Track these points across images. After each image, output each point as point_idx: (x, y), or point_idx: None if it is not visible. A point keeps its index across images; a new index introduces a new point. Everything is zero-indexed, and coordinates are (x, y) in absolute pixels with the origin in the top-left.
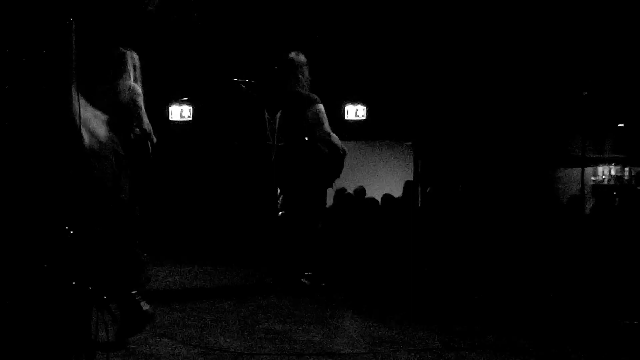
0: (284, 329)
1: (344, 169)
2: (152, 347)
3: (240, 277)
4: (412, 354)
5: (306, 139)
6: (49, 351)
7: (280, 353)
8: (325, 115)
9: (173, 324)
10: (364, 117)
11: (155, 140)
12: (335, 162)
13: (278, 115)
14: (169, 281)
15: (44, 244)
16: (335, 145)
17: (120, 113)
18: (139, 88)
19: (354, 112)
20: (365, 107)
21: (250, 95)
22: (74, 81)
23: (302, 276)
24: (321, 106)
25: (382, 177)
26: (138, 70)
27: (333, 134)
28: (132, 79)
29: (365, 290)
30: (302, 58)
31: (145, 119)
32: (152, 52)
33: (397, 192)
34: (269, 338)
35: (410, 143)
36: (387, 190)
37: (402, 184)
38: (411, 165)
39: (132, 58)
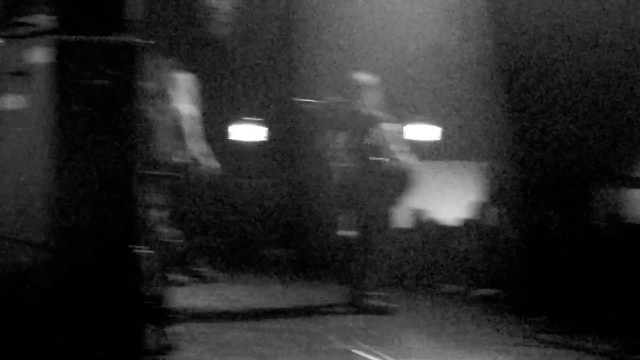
0: (354, 349)
1: (414, 188)
2: None
3: (309, 296)
4: None
5: (371, 158)
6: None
7: None
8: (391, 135)
9: (244, 343)
10: (432, 137)
11: (206, 166)
12: (401, 183)
13: (344, 134)
14: (240, 299)
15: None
16: (401, 166)
17: (161, 134)
18: (187, 111)
19: (421, 131)
20: (433, 127)
21: (317, 115)
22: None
23: (373, 297)
24: (387, 125)
25: (449, 198)
26: (192, 94)
27: (400, 155)
28: (181, 102)
29: (438, 312)
30: (367, 78)
31: (192, 144)
32: (221, 73)
33: (464, 214)
34: (335, 359)
35: (483, 163)
36: (455, 212)
37: (472, 205)
38: (481, 186)
39: (186, 80)
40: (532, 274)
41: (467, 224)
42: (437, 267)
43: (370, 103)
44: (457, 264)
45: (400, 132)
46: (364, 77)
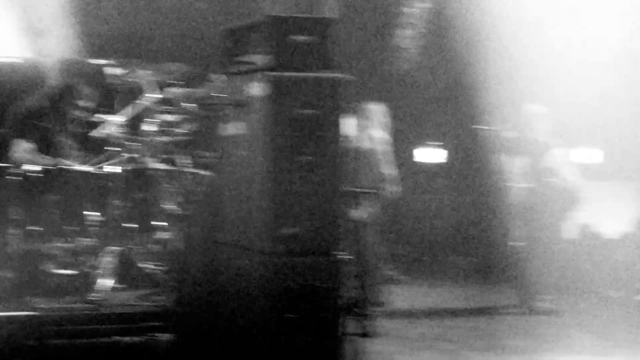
0: (526, 346)
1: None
2: (416, 357)
3: (485, 298)
4: None
5: (543, 179)
6: None
7: None
8: (560, 159)
9: (430, 338)
10: (595, 160)
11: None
12: (569, 201)
13: (519, 158)
14: (426, 300)
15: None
16: (569, 186)
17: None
18: (378, 137)
19: (585, 155)
20: (596, 150)
21: (494, 140)
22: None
23: (542, 300)
24: (556, 151)
25: (612, 214)
26: (378, 120)
27: (568, 176)
28: (371, 129)
29: (601, 315)
30: (538, 108)
31: (384, 166)
32: (408, 102)
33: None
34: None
35: None
36: (616, 226)
37: (632, 220)
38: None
39: (379, 110)
40: None
41: (628, 237)
42: (600, 274)
43: (541, 130)
44: (619, 272)
45: (568, 156)
46: (535, 108)
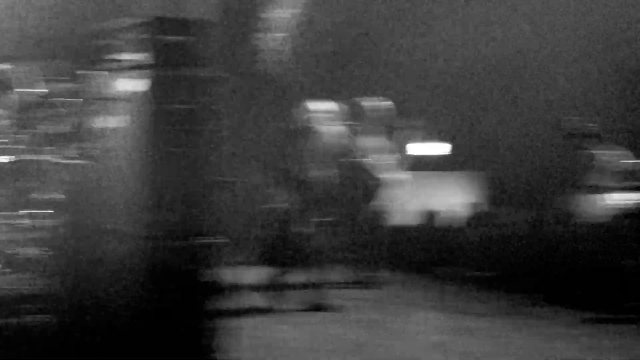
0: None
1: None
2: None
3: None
4: None
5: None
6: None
7: None
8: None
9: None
10: (441, 152)
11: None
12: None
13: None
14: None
15: None
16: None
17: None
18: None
19: (432, 148)
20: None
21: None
22: None
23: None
24: (375, 140)
25: (451, 200)
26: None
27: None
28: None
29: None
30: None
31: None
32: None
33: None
34: None
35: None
36: (454, 211)
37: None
38: (474, 190)
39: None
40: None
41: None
42: (435, 252)
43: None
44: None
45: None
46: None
